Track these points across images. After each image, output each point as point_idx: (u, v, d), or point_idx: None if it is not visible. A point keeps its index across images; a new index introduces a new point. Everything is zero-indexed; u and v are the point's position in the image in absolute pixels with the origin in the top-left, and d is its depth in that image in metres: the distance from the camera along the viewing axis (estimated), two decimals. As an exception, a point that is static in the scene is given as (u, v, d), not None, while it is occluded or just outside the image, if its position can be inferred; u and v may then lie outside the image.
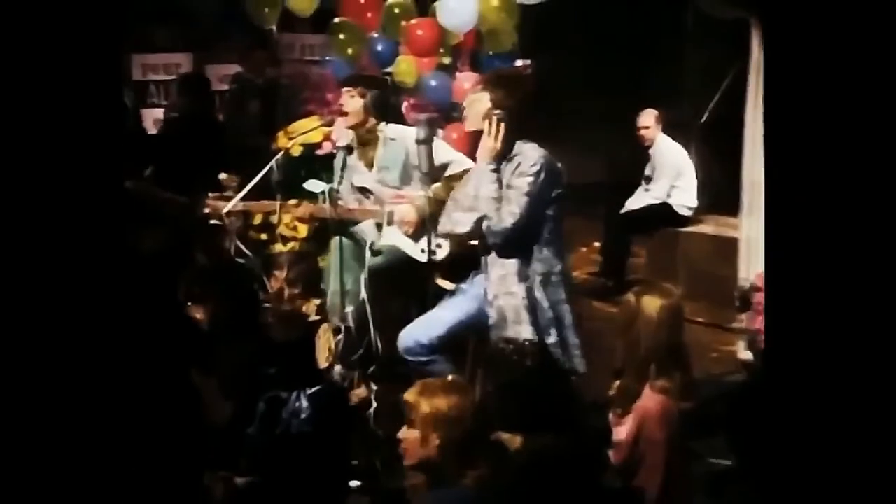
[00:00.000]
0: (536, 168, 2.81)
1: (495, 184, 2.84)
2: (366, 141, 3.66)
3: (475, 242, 3.02)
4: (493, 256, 2.91)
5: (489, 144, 2.87)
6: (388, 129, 3.64)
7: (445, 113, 4.53)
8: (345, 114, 3.61)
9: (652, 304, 2.40)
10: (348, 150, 3.72)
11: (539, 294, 2.85)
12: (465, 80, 4.54)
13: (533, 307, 2.84)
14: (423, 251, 3.37)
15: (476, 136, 3.00)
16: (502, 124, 2.84)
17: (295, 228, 4.04)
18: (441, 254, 3.34)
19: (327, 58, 5.00)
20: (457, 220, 2.92)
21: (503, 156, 2.87)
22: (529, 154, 2.83)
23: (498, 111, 2.85)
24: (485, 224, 2.86)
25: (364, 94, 3.59)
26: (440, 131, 4.22)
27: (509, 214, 2.81)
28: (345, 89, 3.63)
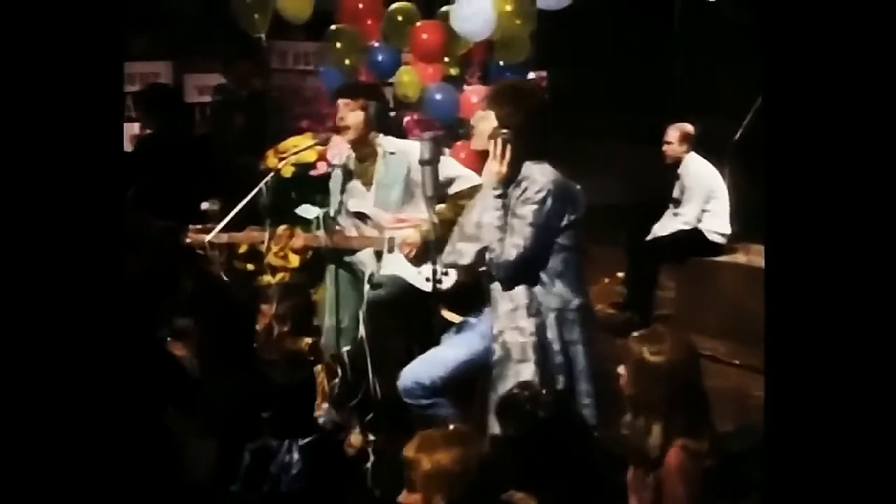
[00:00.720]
0: (542, 195, 2.79)
1: (500, 210, 2.83)
2: (364, 156, 3.67)
3: (484, 269, 3.02)
4: (498, 288, 2.89)
5: (494, 167, 2.85)
6: (386, 143, 3.65)
7: (451, 130, 4.56)
8: (344, 128, 3.61)
9: (655, 357, 2.36)
10: (345, 169, 3.73)
11: (551, 333, 2.82)
12: (474, 93, 4.54)
13: (541, 346, 2.81)
14: (427, 279, 3.38)
15: (485, 157, 2.99)
16: (508, 145, 2.83)
17: (285, 258, 4.06)
18: (448, 282, 3.30)
19: (322, 68, 5.01)
20: (460, 251, 2.91)
21: (510, 179, 2.86)
22: (536, 178, 2.81)
23: (504, 130, 2.84)
24: (488, 255, 2.85)
25: (365, 105, 3.60)
26: (446, 150, 4.22)
27: (513, 246, 2.79)
28: (342, 101, 3.63)
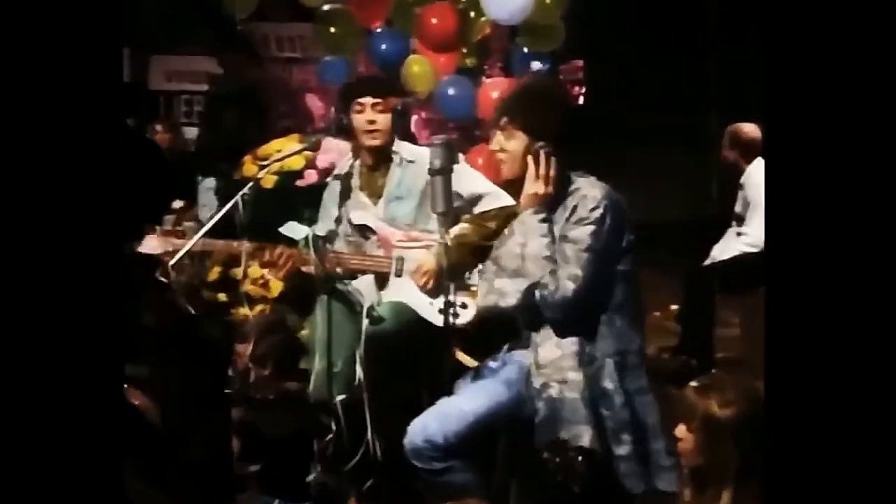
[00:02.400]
0: (600, 211, 2.79)
1: (547, 237, 2.83)
2: (377, 164, 3.72)
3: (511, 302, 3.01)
4: (545, 333, 2.88)
5: (537, 188, 2.86)
6: (404, 149, 3.71)
7: (468, 132, 4.62)
8: (372, 133, 3.66)
9: (724, 411, 2.31)
10: (347, 180, 3.75)
11: (610, 383, 2.80)
12: (494, 87, 4.59)
13: (598, 402, 2.79)
14: (440, 311, 3.37)
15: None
16: (552, 159, 2.84)
17: (265, 286, 4.07)
18: (465, 316, 3.33)
19: (326, 58, 5.03)
20: (501, 290, 2.89)
21: (554, 199, 2.86)
22: (588, 193, 2.82)
23: (542, 143, 2.85)
24: (538, 293, 2.83)
25: (393, 105, 3.66)
26: (461, 157, 4.24)
27: (569, 279, 2.78)
28: (369, 100, 3.66)
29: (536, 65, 4.52)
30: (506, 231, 2.97)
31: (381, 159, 3.70)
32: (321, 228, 3.68)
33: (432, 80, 4.65)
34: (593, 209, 2.79)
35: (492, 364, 3.08)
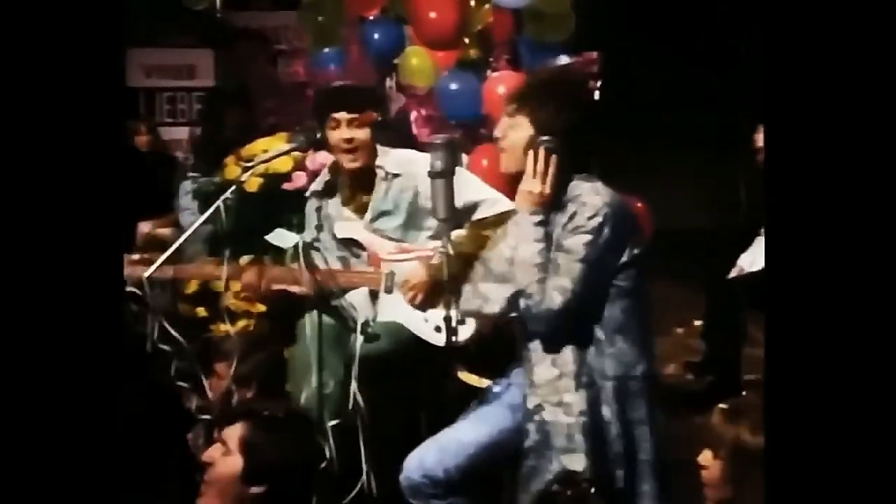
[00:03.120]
0: (597, 221, 2.78)
1: (540, 243, 2.82)
2: (359, 181, 3.71)
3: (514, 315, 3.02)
4: (537, 347, 2.86)
5: (533, 187, 2.85)
6: (388, 161, 3.71)
7: (472, 131, 4.56)
8: (349, 153, 3.64)
9: (756, 438, 2.28)
10: (327, 193, 3.76)
11: (608, 411, 2.79)
12: (501, 82, 4.53)
13: (594, 429, 2.78)
14: (437, 329, 3.38)
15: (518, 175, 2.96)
16: (553, 157, 2.83)
17: (249, 300, 4.05)
18: (465, 333, 3.32)
19: (325, 49, 4.99)
20: (485, 295, 2.89)
21: (553, 202, 2.85)
22: (589, 200, 2.81)
23: (546, 138, 2.84)
24: (523, 302, 2.82)
25: (372, 119, 3.65)
26: (464, 157, 4.22)
27: (558, 290, 2.76)
28: (344, 116, 3.64)
29: (564, 58, 4.50)
30: (498, 232, 3.00)
31: (363, 177, 3.70)
32: (310, 237, 3.69)
33: (433, 74, 4.63)
34: (591, 217, 2.78)
35: (496, 388, 3.07)
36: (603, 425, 2.78)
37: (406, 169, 3.65)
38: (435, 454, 2.95)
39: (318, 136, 3.69)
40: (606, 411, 2.79)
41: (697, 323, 5.52)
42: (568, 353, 2.81)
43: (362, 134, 3.64)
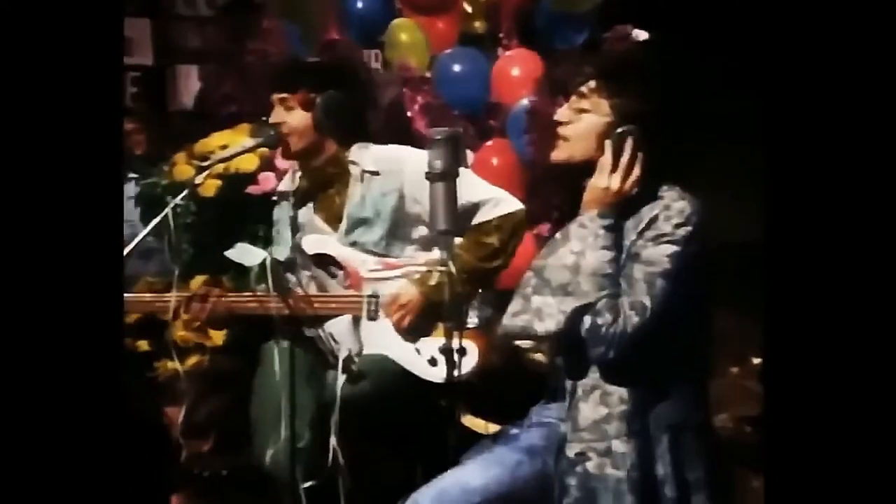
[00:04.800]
0: (688, 230, 2.79)
1: (612, 251, 2.82)
2: (325, 180, 3.76)
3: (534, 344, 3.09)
4: (592, 381, 2.85)
5: (609, 183, 2.84)
6: (364, 157, 3.74)
7: (479, 122, 4.60)
8: (282, 137, 3.72)
9: None
10: (298, 198, 3.77)
11: (662, 466, 2.78)
12: (515, 61, 4.58)
13: (646, 486, 2.77)
14: (432, 362, 3.42)
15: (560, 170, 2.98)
16: (640, 153, 2.83)
17: (203, 331, 4.06)
18: (465, 366, 3.25)
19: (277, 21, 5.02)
20: (539, 310, 2.85)
21: (628, 205, 2.85)
22: (674, 204, 2.82)
23: (628, 127, 2.85)
24: (587, 321, 2.79)
25: (310, 99, 3.70)
26: (469, 155, 4.20)
27: (634, 309, 2.76)
28: (275, 96, 3.73)
29: (639, 32, 4.51)
30: (558, 235, 2.95)
31: (326, 173, 3.75)
32: (280, 252, 3.68)
33: (426, 50, 4.62)
34: (679, 225, 2.78)
35: (513, 429, 3.05)
36: (657, 484, 2.78)
37: (387, 167, 3.68)
38: (432, 499, 2.92)
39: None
40: (661, 469, 2.79)
41: (756, 361, 5.50)
42: (622, 389, 2.81)
43: (294, 118, 3.68)
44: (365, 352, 3.59)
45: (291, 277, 3.68)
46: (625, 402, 2.81)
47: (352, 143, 3.73)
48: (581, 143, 2.92)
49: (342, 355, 3.53)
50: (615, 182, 2.84)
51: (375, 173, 3.69)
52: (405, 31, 4.66)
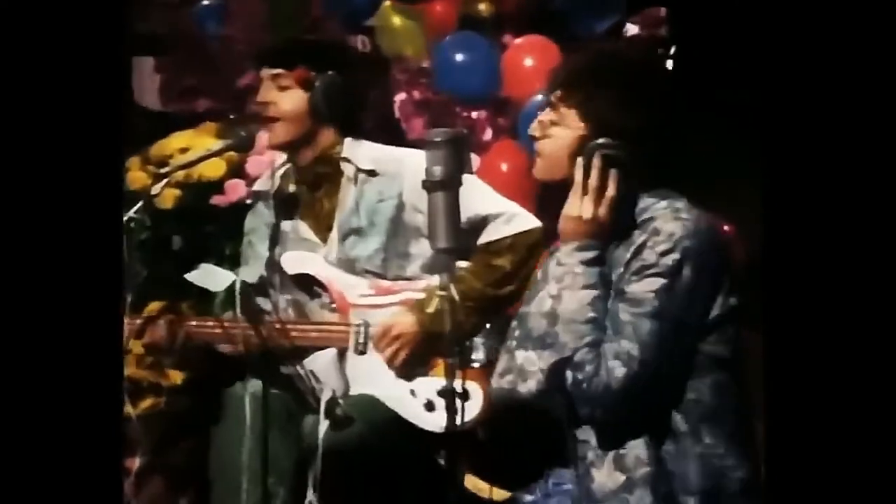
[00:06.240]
0: (675, 257, 2.78)
1: (594, 290, 2.82)
2: (314, 179, 3.77)
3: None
4: (593, 441, 2.84)
5: (581, 210, 2.85)
6: (359, 154, 3.75)
7: (485, 121, 4.62)
8: (270, 121, 3.72)
9: None
10: (279, 201, 3.79)
11: None
12: (528, 50, 4.61)
13: None
14: (429, 407, 3.45)
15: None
16: (612, 168, 2.83)
17: (160, 370, 4.09)
18: (471, 412, 3.27)
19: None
20: (522, 368, 2.86)
21: (612, 230, 2.86)
22: (662, 226, 2.82)
23: (603, 141, 2.85)
24: (570, 376, 2.79)
25: (310, 79, 3.69)
26: (475, 160, 4.20)
27: (620, 359, 2.76)
28: (266, 72, 3.75)
29: (631, 27, 4.53)
30: (538, 274, 2.96)
31: (317, 171, 3.77)
32: (250, 274, 3.70)
33: (425, 40, 4.62)
34: (665, 253, 2.77)
35: (527, 497, 3.04)
36: None
37: (385, 168, 3.70)
38: None
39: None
40: None
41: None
42: (638, 449, 2.79)
43: (288, 100, 3.70)
44: (351, 392, 3.58)
45: (265, 302, 3.70)
46: (644, 464, 2.80)
47: (346, 136, 3.75)
48: (554, 162, 2.94)
49: (324, 397, 3.51)
50: (588, 208, 2.84)
51: (372, 173, 3.71)
52: (398, 14, 4.67)
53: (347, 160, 3.72)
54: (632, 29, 4.57)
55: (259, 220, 3.81)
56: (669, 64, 4.32)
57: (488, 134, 4.64)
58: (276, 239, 3.75)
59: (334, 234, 3.73)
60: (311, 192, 3.77)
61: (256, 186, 3.94)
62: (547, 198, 3.05)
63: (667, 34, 4.53)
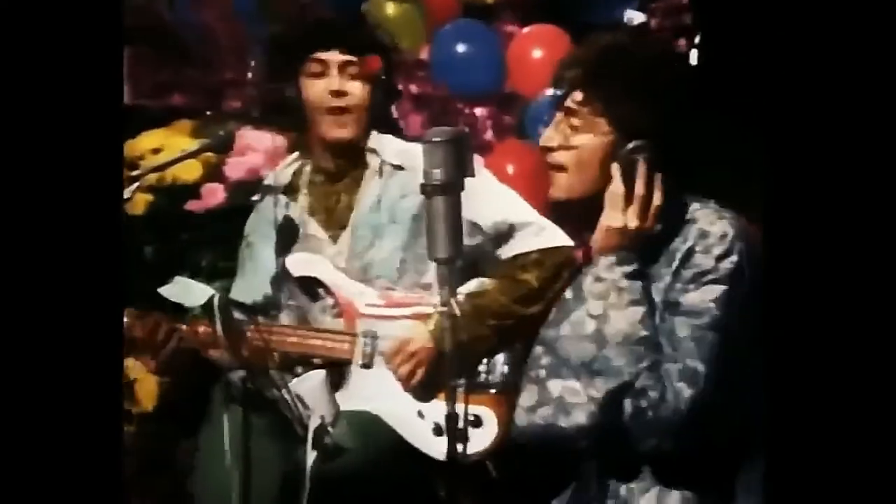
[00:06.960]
0: (734, 259, 2.80)
1: (642, 306, 2.81)
2: (336, 170, 3.81)
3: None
4: (645, 483, 2.84)
5: (626, 221, 2.86)
6: (386, 147, 3.82)
7: (489, 119, 4.67)
8: (341, 113, 3.74)
9: None
10: (290, 195, 3.84)
11: None
12: (536, 40, 4.64)
13: None
14: (437, 431, 3.48)
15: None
16: (658, 175, 2.84)
17: (129, 394, 4.10)
18: (478, 442, 3.34)
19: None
20: (562, 400, 2.84)
21: (655, 240, 2.86)
22: (712, 228, 2.84)
23: (636, 144, 2.85)
24: (629, 405, 2.78)
25: (375, 70, 3.77)
26: (479, 160, 4.19)
27: (688, 378, 2.76)
28: (339, 57, 3.76)
29: (634, 15, 4.51)
30: (567, 293, 2.94)
31: (347, 162, 3.79)
32: (239, 289, 3.74)
33: (424, 30, 4.60)
34: (722, 256, 2.78)
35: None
36: None
37: (411, 163, 3.65)
38: None
39: (288, 94, 3.77)
40: None
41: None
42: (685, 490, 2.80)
43: (359, 89, 3.72)
44: (351, 408, 3.56)
45: (266, 304, 3.74)
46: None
47: (373, 127, 3.78)
48: (581, 174, 2.92)
49: (312, 424, 3.46)
50: (630, 219, 2.83)
51: (399, 168, 3.75)
52: (393, 4, 4.67)
53: (374, 151, 3.75)
54: (636, 17, 4.58)
55: (263, 219, 3.81)
56: (694, 55, 4.30)
57: (491, 133, 4.63)
58: (289, 241, 3.76)
59: (347, 234, 3.76)
60: (330, 183, 3.79)
61: (267, 181, 3.93)
62: (559, 207, 3.01)
63: (690, 23, 4.52)
